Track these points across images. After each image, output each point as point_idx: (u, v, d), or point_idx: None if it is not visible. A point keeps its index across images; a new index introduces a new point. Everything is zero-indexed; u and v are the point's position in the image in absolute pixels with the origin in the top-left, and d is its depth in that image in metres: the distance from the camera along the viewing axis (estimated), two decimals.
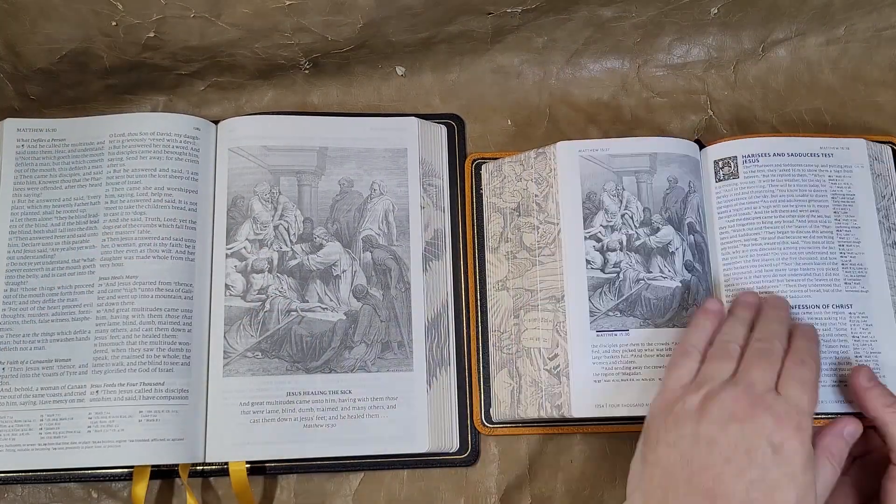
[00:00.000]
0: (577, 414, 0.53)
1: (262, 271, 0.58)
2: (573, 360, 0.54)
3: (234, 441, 0.55)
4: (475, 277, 0.60)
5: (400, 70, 0.66)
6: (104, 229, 0.57)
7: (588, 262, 0.56)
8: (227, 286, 0.57)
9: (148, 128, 0.59)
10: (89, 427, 0.53)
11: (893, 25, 0.66)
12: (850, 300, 0.55)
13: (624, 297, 0.56)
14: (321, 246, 0.59)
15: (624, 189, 0.58)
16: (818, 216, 0.57)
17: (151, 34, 0.58)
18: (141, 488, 0.54)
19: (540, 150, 0.60)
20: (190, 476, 0.55)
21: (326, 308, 0.57)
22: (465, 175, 0.63)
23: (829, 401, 0.53)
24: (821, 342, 0.52)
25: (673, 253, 0.57)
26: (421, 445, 0.56)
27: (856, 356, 0.54)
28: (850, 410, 0.53)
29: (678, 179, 0.58)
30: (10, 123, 0.59)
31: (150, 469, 0.54)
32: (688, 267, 0.56)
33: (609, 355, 0.54)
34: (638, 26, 0.64)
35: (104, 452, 0.53)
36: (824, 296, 0.55)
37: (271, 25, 0.58)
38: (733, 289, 0.56)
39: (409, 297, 0.58)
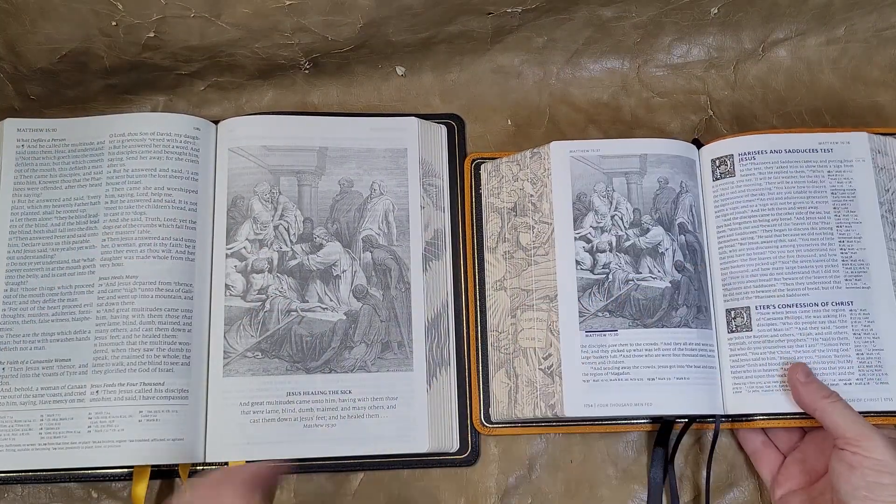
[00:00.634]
0: (569, 414, 0.53)
1: (262, 271, 0.58)
2: (564, 360, 0.54)
3: (234, 441, 0.55)
4: (475, 277, 0.60)
5: (400, 70, 0.66)
6: (104, 229, 0.57)
7: (578, 263, 0.56)
8: (227, 286, 0.57)
9: (148, 128, 0.59)
10: (89, 427, 0.53)
11: (893, 25, 0.66)
12: (851, 297, 0.55)
13: (613, 298, 0.56)
14: (321, 246, 0.59)
15: (614, 190, 0.58)
16: (817, 213, 0.57)
17: (151, 34, 0.58)
18: (141, 488, 0.54)
19: (535, 150, 0.60)
20: (190, 476, 0.55)
21: (326, 308, 0.57)
22: (465, 175, 0.63)
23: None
24: (820, 341, 0.52)
25: (663, 254, 0.57)
26: (421, 445, 0.56)
27: (857, 353, 0.54)
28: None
29: (668, 180, 0.58)
30: (10, 123, 0.59)
31: (150, 469, 0.55)
32: (678, 267, 0.56)
33: (598, 355, 0.54)
34: (638, 26, 0.64)
35: (104, 452, 0.53)
36: (823, 293, 0.55)
37: (271, 25, 0.58)
38: (731, 288, 0.56)
39: (409, 297, 0.58)
